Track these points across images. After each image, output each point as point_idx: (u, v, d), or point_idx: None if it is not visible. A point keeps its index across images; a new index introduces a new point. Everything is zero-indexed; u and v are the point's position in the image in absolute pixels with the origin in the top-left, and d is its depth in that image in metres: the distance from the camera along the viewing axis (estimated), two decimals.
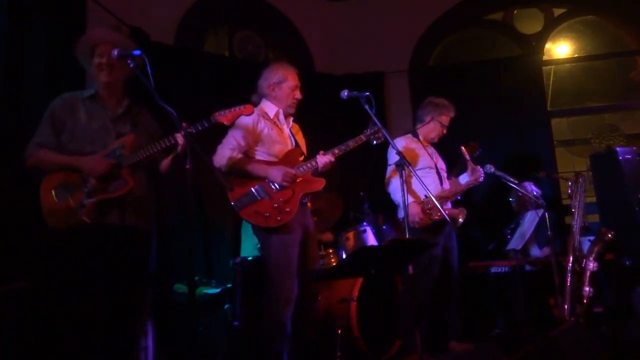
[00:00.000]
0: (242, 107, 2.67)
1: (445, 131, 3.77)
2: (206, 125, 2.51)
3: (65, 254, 2.36)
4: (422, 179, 3.21)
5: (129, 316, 2.48)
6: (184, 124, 2.34)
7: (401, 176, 2.93)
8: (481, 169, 3.65)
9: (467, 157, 3.65)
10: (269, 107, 3.11)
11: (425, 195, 3.37)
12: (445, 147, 3.94)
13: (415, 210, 3.38)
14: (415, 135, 3.74)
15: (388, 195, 3.58)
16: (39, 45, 3.43)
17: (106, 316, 2.36)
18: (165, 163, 2.65)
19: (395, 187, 3.45)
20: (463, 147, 3.66)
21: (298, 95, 3.11)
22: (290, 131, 3.17)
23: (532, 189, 4.25)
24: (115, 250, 2.40)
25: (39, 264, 2.58)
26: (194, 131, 2.42)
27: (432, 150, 3.79)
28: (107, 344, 2.35)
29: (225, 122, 2.61)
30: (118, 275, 2.39)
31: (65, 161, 2.45)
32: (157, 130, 2.71)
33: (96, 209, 2.38)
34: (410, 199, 3.41)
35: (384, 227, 4.32)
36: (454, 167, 3.82)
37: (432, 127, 3.74)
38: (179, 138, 2.43)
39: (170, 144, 2.47)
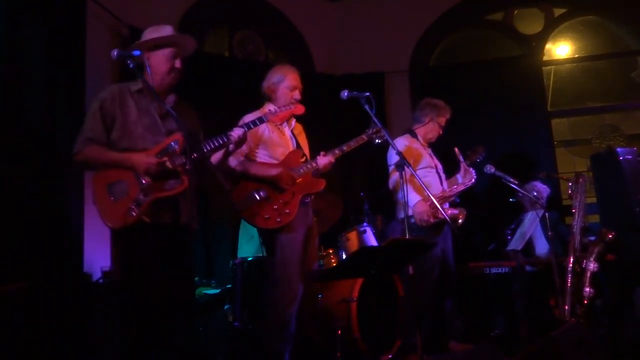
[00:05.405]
0: (292, 107, 2.92)
1: (442, 132, 3.81)
2: (258, 124, 2.70)
3: (126, 253, 2.35)
4: (424, 178, 3.24)
5: (183, 314, 2.45)
6: (239, 123, 2.53)
7: (401, 176, 2.93)
8: (473, 171, 3.68)
9: (461, 158, 3.69)
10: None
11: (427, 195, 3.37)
12: (445, 147, 3.93)
13: (423, 208, 3.40)
14: (414, 135, 3.76)
15: (390, 195, 3.58)
16: (39, 45, 3.43)
17: (162, 315, 2.34)
18: (216, 157, 2.71)
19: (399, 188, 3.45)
20: (456, 149, 3.70)
21: (297, 95, 3.07)
22: (293, 132, 3.16)
23: (542, 188, 4.25)
24: (169, 249, 2.38)
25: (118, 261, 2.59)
26: (246, 129, 2.59)
27: (430, 150, 3.82)
28: (162, 344, 2.35)
29: (277, 122, 2.97)
30: (172, 274, 2.37)
31: (117, 158, 2.36)
32: (199, 127, 2.69)
33: (152, 207, 2.32)
34: (417, 197, 3.43)
35: (390, 224, 4.30)
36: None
37: (431, 127, 3.77)
38: (236, 132, 2.54)
39: (226, 141, 2.53)
